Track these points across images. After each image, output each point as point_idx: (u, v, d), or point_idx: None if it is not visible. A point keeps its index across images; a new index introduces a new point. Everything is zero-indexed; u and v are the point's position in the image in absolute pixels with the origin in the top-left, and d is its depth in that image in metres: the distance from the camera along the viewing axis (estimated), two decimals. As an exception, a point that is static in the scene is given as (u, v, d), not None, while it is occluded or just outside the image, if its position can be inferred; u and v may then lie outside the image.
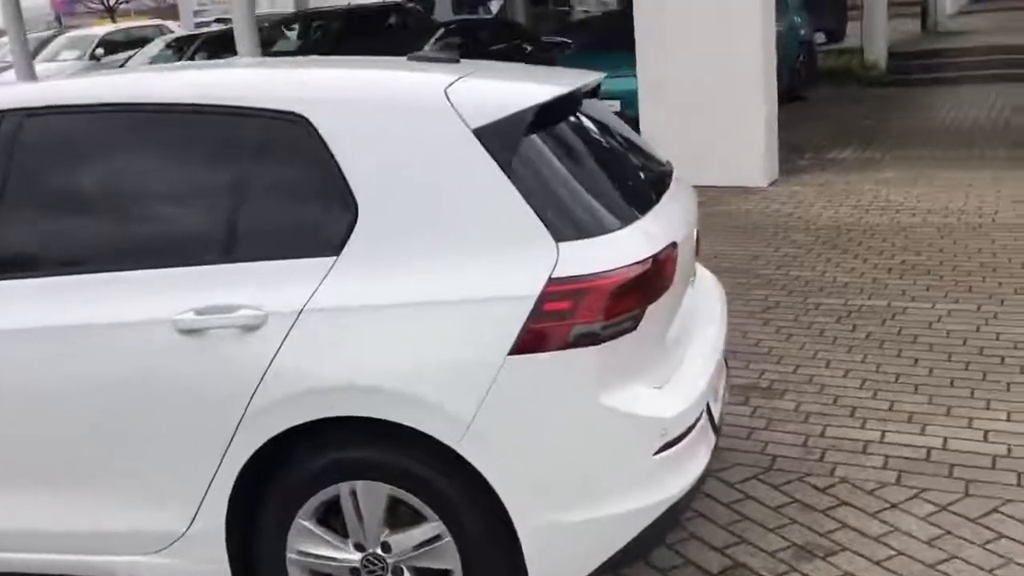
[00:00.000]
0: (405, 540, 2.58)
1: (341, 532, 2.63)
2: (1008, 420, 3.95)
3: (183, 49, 17.76)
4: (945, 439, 3.84)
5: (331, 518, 2.64)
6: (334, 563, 2.64)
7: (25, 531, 2.82)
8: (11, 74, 18.49)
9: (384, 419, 2.45)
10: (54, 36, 21.71)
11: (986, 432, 3.87)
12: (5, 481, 2.81)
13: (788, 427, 4.05)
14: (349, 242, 2.53)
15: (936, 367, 4.51)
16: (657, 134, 8.83)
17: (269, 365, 2.50)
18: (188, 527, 2.66)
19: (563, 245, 2.47)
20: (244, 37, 13.20)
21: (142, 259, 2.67)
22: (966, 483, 3.51)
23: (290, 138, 2.60)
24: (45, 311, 2.69)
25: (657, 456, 2.53)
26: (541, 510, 2.48)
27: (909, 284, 5.67)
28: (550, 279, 2.42)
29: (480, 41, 14.22)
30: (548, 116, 2.70)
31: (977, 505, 3.36)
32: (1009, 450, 3.71)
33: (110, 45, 19.89)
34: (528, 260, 2.45)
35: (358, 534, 2.61)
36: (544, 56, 13.25)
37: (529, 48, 14.63)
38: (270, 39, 15.90)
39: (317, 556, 2.65)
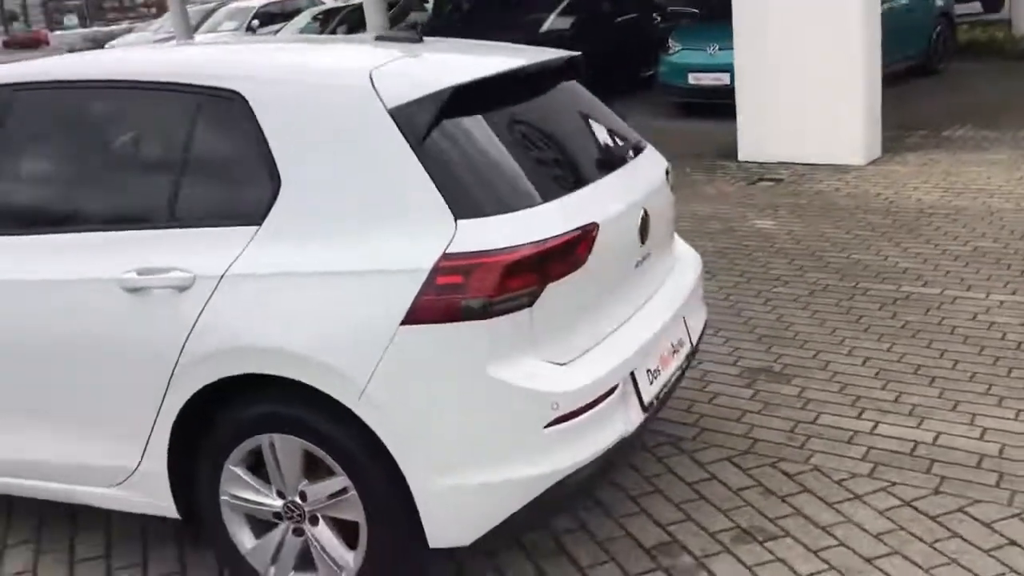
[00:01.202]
0: (319, 490, 2.77)
1: (265, 480, 2.84)
2: (1015, 419, 3.77)
3: (328, 21, 18.49)
4: (939, 434, 3.71)
5: (259, 466, 2.85)
6: (260, 507, 2.86)
7: (9, 460, 3.19)
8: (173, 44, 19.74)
9: (290, 378, 2.63)
10: (217, 8, 22.94)
11: (985, 430, 3.71)
12: None
13: (782, 412, 4.00)
14: (270, 213, 2.72)
15: (962, 360, 4.33)
16: (753, 109, 8.66)
17: (194, 324, 2.72)
18: (138, 465, 2.93)
19: (463, 222, 2.58)
20: (372, 10, 13.66)
21: (92, 221, 2.96)
22: (941, 480, 3.40)
23: (226, 113, 2.81)
24: (7, 267, 3.02)
25: (548, 429, 2.61)
26: (433, 473, 2.61)
27: (971, 272, 5.41)
28: (444, 254, 2.53)
29: (606, 12, 14.15)
30: (475, 96, 2.79)
31: (943, 503, 3.26)
32: (1001, 450, 3.56)
33: (265, 17, 20.84)
34: (426, 235, 2.57)
35: (279, 482, 2.82)
36: (671, 25, 13.11)
37: (659, 18, 14.46)
38: (406, 9, 16.35)
39: (245, 500, 2.87)
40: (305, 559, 2.86)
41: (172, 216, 2.86)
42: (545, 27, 13.58)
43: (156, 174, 2.94)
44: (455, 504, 2.63)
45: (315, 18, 18.58)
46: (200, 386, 2.76)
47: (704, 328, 3.73)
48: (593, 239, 2.79)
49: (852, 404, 4.02)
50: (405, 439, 2.60)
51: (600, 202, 2.90)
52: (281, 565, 2.88)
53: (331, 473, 2.74)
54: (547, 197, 2.74)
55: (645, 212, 3.14)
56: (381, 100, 2.67)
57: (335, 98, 2.75)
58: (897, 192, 7.32)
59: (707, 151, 9.43)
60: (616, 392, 2.82)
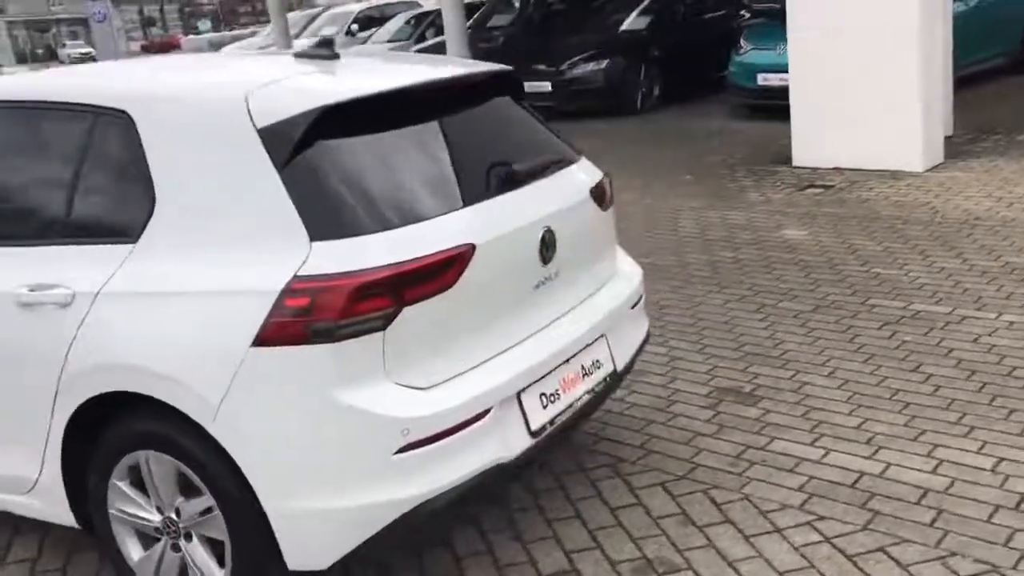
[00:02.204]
0: (190, 508, 2.81)
1: (146, 495, 2.90)
2: (977, 452, 3.53)
3: (420, 23, 18.74)
4: (889, 465, 3.50)
5: (144, 482, 2.92)
6: (142, 521, 2.93)
7: None
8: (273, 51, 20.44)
9: (153, 397, 2.69)
10: (319, 13, 23.55)
11: (940, 463, 3.48)
12: None
13: (735, 436, 3.85)
14: (146, 231, 2.77)
15: (945, 386, 4.07)
16: (807, 112, 8.36)
17: (72, 341, 2.81)
18: (38, 475, 3.04)
19: (317, 244, 2.57)
20: (450, 14, 13.75)
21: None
22: (873, 515, 3.20)
23: (114, 132, 2.87)
24: None
25: (399, 455, 2.58)
26: (285, 496, 2.61)
27: (991, 290, 5.08)
28: (295, 276, 2.53)
29: (687, 11, 13.89)
30: (355, 114, 2.78)
31: (865, 541, 3.07)
32: (950, 485, 3.33)
33: (364, 21, 21.28)
34: (281, 257, 2.57)
35: (157, 498, 2.87)
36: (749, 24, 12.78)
37: (747, 15, 14.09)
38: (490, 13, 16.41)
39: (130, 514, 2.94)
40: (183, 574, 2.90)
41: (64, 232, 2.96)
42: (624, 27, 13.46)
43: (53, 191, 3.04)
44: (309, 528, 2.63)
45: (407, 22, 18.85)
46: (81, 401, 2.83)
47: (641, 347, 3.62)
48: (465, 262, 2.74)
49: (811, 430, 3.83)
50: (257, 461, 2.61)
51: (484, 223, 2.85)
52: (167, 573, 2.93)
53: (201, 492, 2.78)
54: (415, 219, 2.71)
55: (549, 231, 3.06)
56: (252, 119, 2.69)
57: (209, 117, 2.79)
58: (946, 201, 6.93)
59: (764, 155, 9.15)
60: (488, 417, 2.76)
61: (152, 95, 2.96)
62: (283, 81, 2.92)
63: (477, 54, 14.80)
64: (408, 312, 2.61)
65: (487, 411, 2.76)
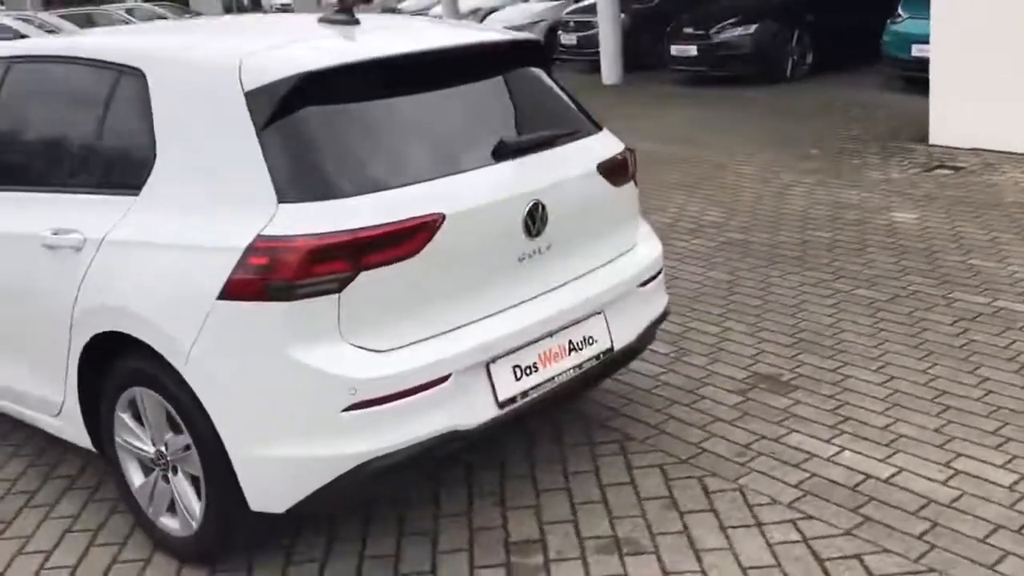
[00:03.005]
0: (174, 443, 3.01)
1: (143, 428, 3.13)
2: (1001, 466, 3.30)
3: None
4: (900, 471, 3.32)
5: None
6: (140, 452, 3.16)
7: None
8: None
9: (142, 339, 2.89)
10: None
11: (956, 473, 3.28)
12: None
13: (752, 425, 3.74)
14: (146, 184, 2.96)
15: (997, 392, 3.81)
16: (947, 87, 7.87)
17: (81, 282, 3.04)
18: (63, 400, 3.32)
19: (284, 206, 2.68)
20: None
21: (30, 181, 3.37)
22: (863, 521, 3.06)
23: (131, 89, 3.06)
24: None
25: (347, 413, 2.67)
26: (244, 441, 2.76)
27: (1092, 292, 4.68)
28: (258, 235, 2.65)
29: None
30: (345, 79, 2.86)
31: (844, 547, 2.95)
32: (956, 498, 3.14)
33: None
34: (250, 216, 2.70)
35: (151, 431, 3.10)
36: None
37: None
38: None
39: (131, 444, 3.18)
40: (173, 503, 3.13)
41: (85, 180, 3.20)
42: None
43: (81, 141, 3.29)
44: (265, 473, 2.78)
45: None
46: (89, 337, 3.08)
47: (653, 326, 3.57)
48: (432, 231, 2.78)
49: (834, 425, 3.67)
50: (221, 407, 2.77)
51: (458, 193, 2.88)
52: (156, 505, 3.16)
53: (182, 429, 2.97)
54: (385, 186, 2.77)
55: (538, 205, 3.06)
56: (241, 82, 2.81)
57: (206, 78, 2.93)
58: (1083, 191, 6.38)
59: (904, 132, 8.66)
60: (447, 383, 2.81)
61: (163, 55, 3.14)
62: (283, 46, 3.03)
63: (631, 14, 14.61)
64: (366, 276, 2.68)
65: (445, 377, 2.81)
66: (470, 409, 2.89)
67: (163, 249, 2.86)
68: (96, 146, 3.20)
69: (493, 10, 19.31)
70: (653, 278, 3.56)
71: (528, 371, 3.05)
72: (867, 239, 5.86)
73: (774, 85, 11.96)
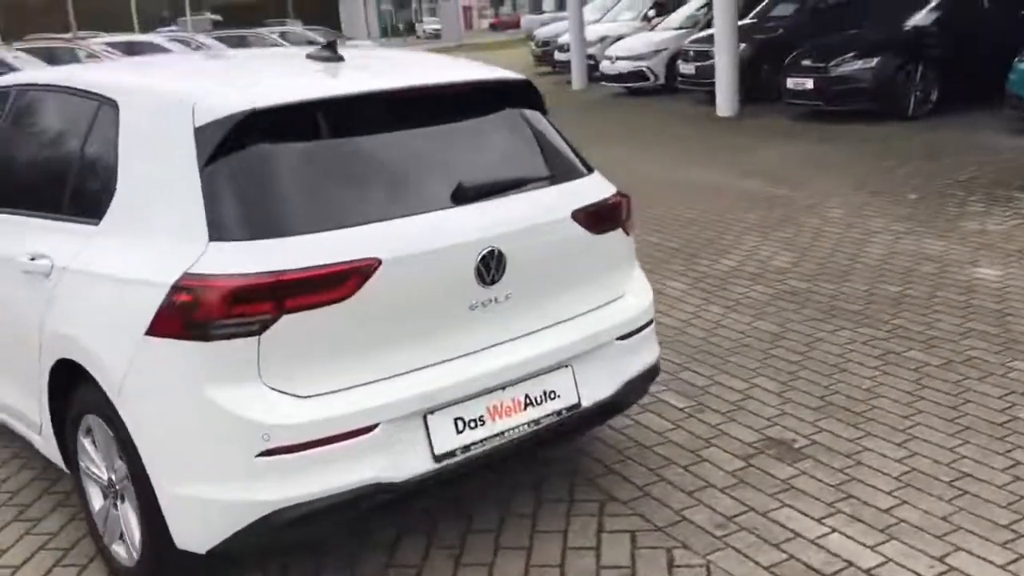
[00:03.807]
0: (120, 472, 3.03)
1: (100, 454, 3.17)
2: (1000, 567, 2.96)
3: (709, 11, 18.24)
4: (885, 562, 3.03)
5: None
6: (97, 477, 3.19)
7: None
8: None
9: (87, 369, 2.92)
10: (621, -2, 23.56)
11: (948, 570, 2.96)
12: None
13: (745, 495, 3.49)
14: (106, 214, 3.00)
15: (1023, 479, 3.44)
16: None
17: (47, 308, 3.11)
18: (40, 421, 3.41)
19: (214, 244, 2.66)
20: (722, 1, 13.30)
21: (16, 203, 3.49)
22: (826, 615, 2.80)
23: (106, 119, 3.12)
24: None
25: (260, 459, 2.62)
26: (167, 478, 2.75)
27: None
28: (184, 273, 2.64)
29: (997, 4, 12.29)
30: (297, 118, 2.83)
31: (796, 642, 2.70)
32: (939, 598, 2.83)
33: (661, 7, 21.06)
34: (182, 252, 2.69)
35: (103, 458, 3.12)
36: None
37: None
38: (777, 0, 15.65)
39: (89, 469, 3.22)
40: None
41: (61, 207, 3.27)
42: (910, 22, 12.25)
43: (60, 167, 3.38)
44: (186, 512, 2.75)
45: (698, 9, 18.41)
46: (52, 362, 3.14)
47: (634, 381, 3.38)
48: (366, 276, 2.71)
49: (832, 503, 3.39)
50: (147, 441, 2.77)
51: (400, 238, 2.79)
52: (109, 532, 3.19)
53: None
54: (321, 228, 2.72)
55: (494, 253, 2.94)
56: (193, 118, 2.82)
57: (164, 113, 2.94)
58: None
59: (1016, 179, 8.06)
60: (373, 433, 2.72)
61: (135, 88, 3.19)
62: (246, 84, 3.03)
63: (753, 44, 14.23)
64: (291, 320, 2.63)
65: (371, 427, 2.72)
66: (401, 461, 2.79)
67: (108, 280, 2.89)
68: (73, 173, 3.28)
69: (620, 38, 19.20)
70: (637, 331, 3.38)
71: (473, 424, 2.93)
72: (938, 296, 5.44)
73: (892, 123, 11.36)
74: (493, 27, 71.36)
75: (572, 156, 3.42)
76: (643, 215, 8.03)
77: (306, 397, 2.69)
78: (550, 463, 3.77)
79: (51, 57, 19.45)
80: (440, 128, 3.12)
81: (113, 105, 3.12)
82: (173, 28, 42.71)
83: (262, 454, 2.62)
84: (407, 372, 2.83)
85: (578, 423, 3.25)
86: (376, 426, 2.73)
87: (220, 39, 28.57)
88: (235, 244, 2.66)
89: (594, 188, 3.36)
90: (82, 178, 3.25)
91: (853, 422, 3.99)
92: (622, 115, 15.31)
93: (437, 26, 60.87)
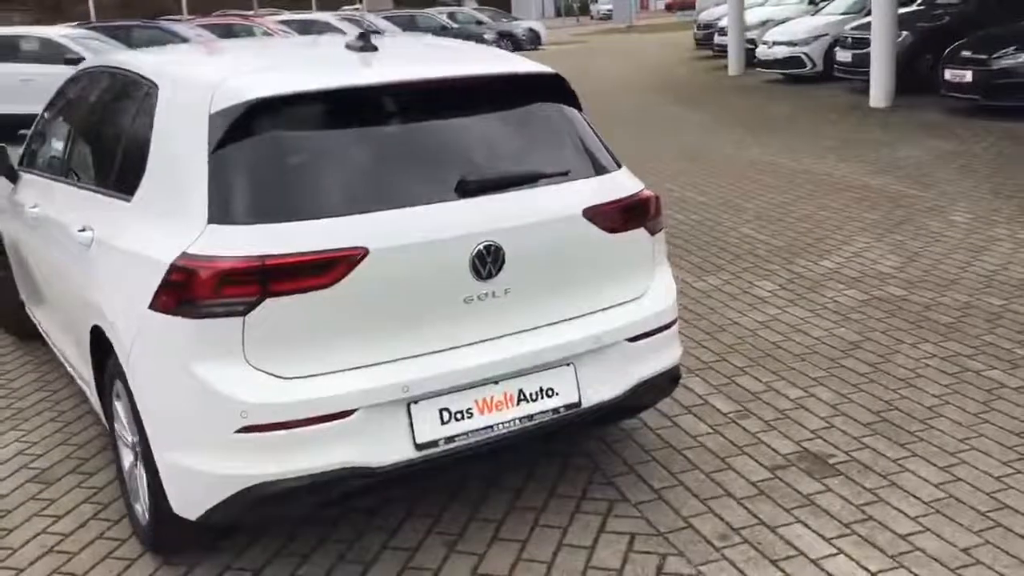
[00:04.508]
0: (137, 437, 3.22)
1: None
2: (1011, 609, 2.75)
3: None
4: (884, 591, 2.86)
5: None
6: (125, 440, 3.40)
7: (63, 352, 4.13)
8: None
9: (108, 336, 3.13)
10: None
11: (949, 607, 2.77)
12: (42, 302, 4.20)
13: (760, 507, 3.36)
14: (137, 190, 3.18)
15: (1071, 518, 3.16)
16: None
17: (87, 276, 3.34)
18: (90, 377, 3.65)
19: (212, 226, 2.79)
20: None
21: (78, 175, 3.73)
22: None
23: (149, 100, 3.30)
24: (43, 203, 3.96)
25: (239, 435, 2.73)
26: (163, 445, 2.91)
27: None
28: (182, 253, 2.78)
29: None
30: (297, 108, 2.92)
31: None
32: (927, 637, 2.65)
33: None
34: (184, 233, 2.82)
35: (128, 422, 3.33)
36: None
37: None
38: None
39: (120, 432, 3.43)
40: (142, 491, 3.34)
41: (106, 182, 3.49)
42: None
43: (111, 145, 3.59)
44: (177, 479, 2.90)
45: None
46: (89, 327, 3.37)
47: (646, 384, 3.31)
48: (352, 264, 2.77)
49: (851, 523, 3.22)
50: (147, 409, 2.94)
51: (391, 229, 2.84)
52: (132, 491, 3.39)
53: (147, 424, 3.17)
54: (313, 216, 2.80)
55: (491, 247, 2.95)
56: (211, 104, 2.95)
57: (190, 96, 3.09)
58: None
59: None
60: (351, 418, 2.79)
61: (175, 73, 3.36)
62: (265, 72, 3.14)
63: (916, 32, 13.45)
64: (275, 303, 2.72)
65: (349, 412, 2.79)
66: (380, 448, 2.85)
67: (128, 255, 3.07)
68: (120, 152, 3.49)
69: (784, 21, 18.56)
70: (651, 333, 3.31)
71: (459, 416, 2.96)
72: (1046, 312, 5.05)
73: (1058, 121, 10.54)
74: (668, 8, 70.24)
75: (598, 152, 3.37)
76: (756, 209, 7.81)
77: (289, 379, 2.78)
78: (571, 456, 3.76)
79: (228, 33, 20.69)
80: (452, 121, 3.15)
81: (155, 88, 3.31)
82: (357, 7, 44.25)
83: (241, 430, 2.73)
84: (392, 360, 2.88)
85: (580, 422, 3.22)
86: (355, 411, 2.80)
87: (390, 19, 29.36)
88: (230, 228, 2.77)
89: (615, 186, 3.30)
90: (125, 156, 3.45)
91: (902, 441, 3.77)
92: (769, 102, 14.82)
93: (609, 7, 60.53)
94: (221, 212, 2.80)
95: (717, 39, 21.55)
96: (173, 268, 2.78)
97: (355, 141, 3.01)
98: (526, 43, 33.52)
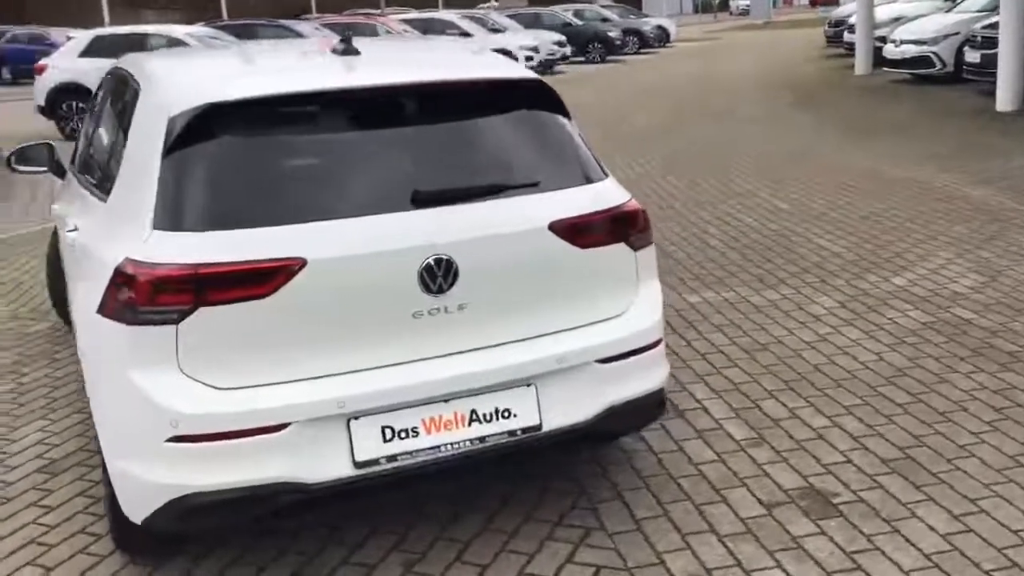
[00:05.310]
0: (107, 436, 3.25)
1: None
2: None
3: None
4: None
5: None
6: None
7: None
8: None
9: None
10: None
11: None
12: None
13: (741, 549, 3.12)
14: (111, 193, 3.19)
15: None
16: None
17: (70, 275, 3.40)
18: None
19: (156, 232, 2.76)
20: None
21: (88, 176, 3.77)
22: None
23: (134, 101, 3.30)
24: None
25: (170, 444, 2.69)
26: (107, 447, 2.93)
27: None
28: (126, 258, 2.76)
29: None
30: (247, 114, 2.87)
31: None
32: None
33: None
34: (131, 238, 2.81)
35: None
36: None
37: None
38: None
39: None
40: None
41: (95, 183, 3.53)
42: None
43: (104, 146, 3.64)
44: (121, 484, 2.89)
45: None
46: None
47: (625, 409, 3.14)
48: (289, 275, 2.70)
49: (829, 574, 2.95)
50: (95, 413, 2.96)
51: (331, 240, 2.75)
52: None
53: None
54: (253, 224, 2.74)
55: (441, 261, 2.83)
56: (171, 107, 2.93)
57: (156, 100, 3.08)
58: None
59: None
60: (284, 432, 2.72)
61: (155, 75, 3.35)
62: (234, 75, 3.10)
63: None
64: (210, 312, 2.68)
65: (282, 426, 2.72)
66: (317, 464, 2.77)
67: (91, 258, 3.09)
68: (108, 151, 3.54)
69: (916, 19, 17.64)
70: (625, 355, 3.12)
71: (403, 435, 2.85)
72: (1125, 343, 4.56)
73: None
74: (812, 3, 68.19)
75: (579, 162, 3.20)
76: (838, 219, 7.39)
77: (222, 389, 2.73)
78: (554, 479, 3.59)
79: (350, 31, 21.11)
80: (417, 129, 3.05)
81: (139, 90, 3.32)
82: (494, 4, 44.58)
83: (171, 439, 2.70)
84: (329, 375, 2.79)
85: (541, 446, 3.06)
86: (288, 425, 2.73)
87: (514, 17, 29.39)
88: (170, 234, 2.74)
89: (593, 197, 3.12)
90: (110, 157, 3.48)
91: (920, 482, 3.45)
92: (889, 104, 14.12)
93: (748, 2, 59.03)
94: (166, 218, 2.77)
95: (847, 36, 20.70)
96: (116, 272, 2.77)
97: (308, 148, 2.95)
98: (653, 40, 33.01)
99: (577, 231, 3.04)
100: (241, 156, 2.87)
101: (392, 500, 3.43)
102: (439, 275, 2.83)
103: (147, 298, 2.68)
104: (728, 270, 6.23)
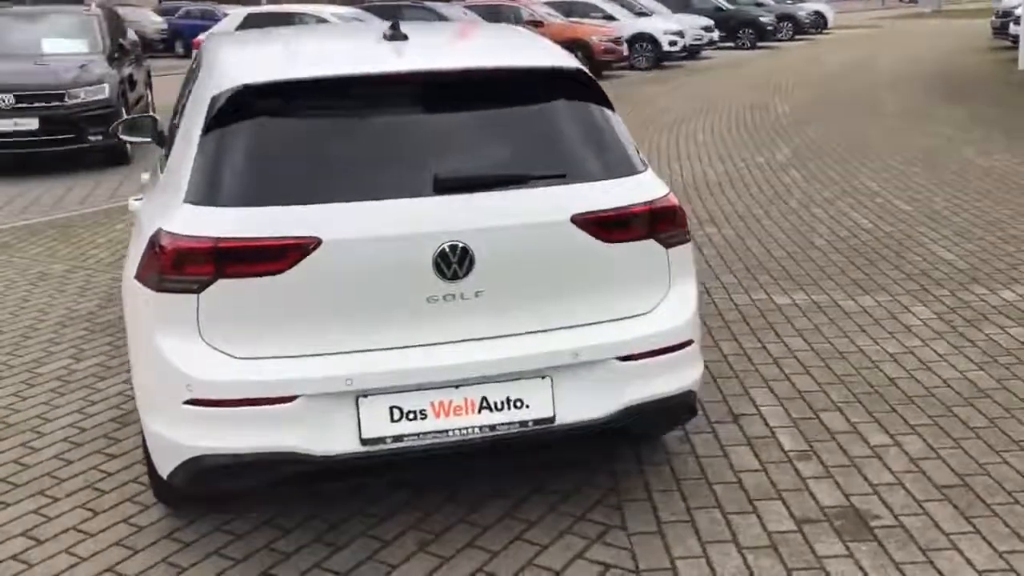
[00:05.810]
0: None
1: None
2: None
3: None
4: None
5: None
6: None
7: None
8: None
9: None
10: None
11: None
12: None
13: (760, 564, 3.01)
14: (165, 167, 3.33)
15: None
16: None
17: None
18: None
19: (187, 206, 2.86)
20: None
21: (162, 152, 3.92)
22: None
23: (195, 79, 3.43)
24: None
25: (186, 407, 2.80)
26: (140, 406, 3.07)
27: None
28: (159, 229, 2.87)
29: None
30: (281, 96, 2.95)
31: None
32: None
33: None
34: (168, 209, 2.92)
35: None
36: None
37: None
38: None
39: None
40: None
41: (162, 157, 3.67)
42: None
43: (173, 123, 3.76)
44: (149, 440, 3.03)
45: None
46: None
47: (647, 409, 3.07)
48: (304, 252, 2.76)
49: (848, 599, 2.82)
50: (131, 370, 3.10)
51: (348, 221, 2.79)
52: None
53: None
54: (275, 202, 2.80)
55: (457, 247, 2.82)
56: (214, 88, 3.03)
57: (207, 81, 3.18)
58: None
59: None
60: (292, 404, 2.78)
61: (215, 56, 3.44)
62: (276, 60, 3.18)
63: None
64: (228, 284, 2.77)
65: (291, 398, 2.78)
66: (324, 437, 2.82)
67: (139, 226, 3.24)
68: (172, 128, 3.67)
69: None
70: (649, 355, 3.04)
71: (411, 416, 2.87)
72: None
73: None
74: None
75: (615, 154, 3.12)
76: (959, 224, 6.97)
77: (238, 358, 2.81)
78: (592, 473, 3.54)
79: (494, 13, 21.14)
80: (445, 116, 3.05)
81: (199, 70, 3.45)
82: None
83: (188, 402, 2.81)
84: (338, 352, 2.84)
85: (553, 439, 3.01)
86: (296, 398, 2.79)
87: (662, 0, 28.58)
88: (199, 208, 2.84)
89: (624, 191, 3.04)
90: (172, 133, 3.63)
91: (971, 513, 3.23)
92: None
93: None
94: (195, 192, 2.87)
95: (1011, 29, 19.41)
96: (151, 242, 2.88)
97: (333, 132, 3.00)
98: (809, 27, 31.80)
99: (601, 225, 2.97)
100: (269, 137, 2.93)
101: (419, 481, 3.46)
102: (454, 262, 2.83)
103: (172, 267, 2.79)
104: (826, 272, 5.97)
